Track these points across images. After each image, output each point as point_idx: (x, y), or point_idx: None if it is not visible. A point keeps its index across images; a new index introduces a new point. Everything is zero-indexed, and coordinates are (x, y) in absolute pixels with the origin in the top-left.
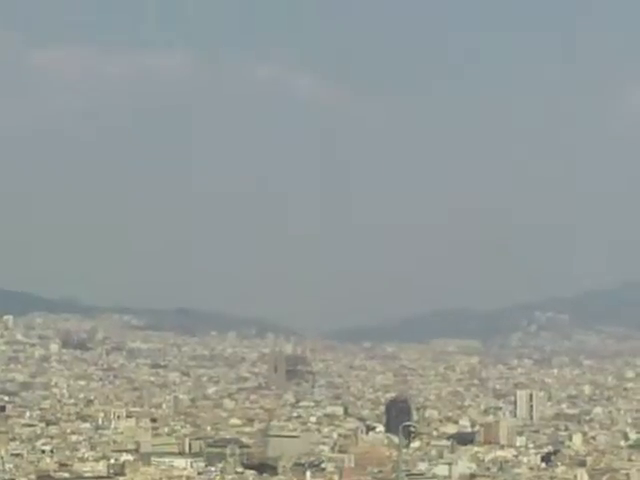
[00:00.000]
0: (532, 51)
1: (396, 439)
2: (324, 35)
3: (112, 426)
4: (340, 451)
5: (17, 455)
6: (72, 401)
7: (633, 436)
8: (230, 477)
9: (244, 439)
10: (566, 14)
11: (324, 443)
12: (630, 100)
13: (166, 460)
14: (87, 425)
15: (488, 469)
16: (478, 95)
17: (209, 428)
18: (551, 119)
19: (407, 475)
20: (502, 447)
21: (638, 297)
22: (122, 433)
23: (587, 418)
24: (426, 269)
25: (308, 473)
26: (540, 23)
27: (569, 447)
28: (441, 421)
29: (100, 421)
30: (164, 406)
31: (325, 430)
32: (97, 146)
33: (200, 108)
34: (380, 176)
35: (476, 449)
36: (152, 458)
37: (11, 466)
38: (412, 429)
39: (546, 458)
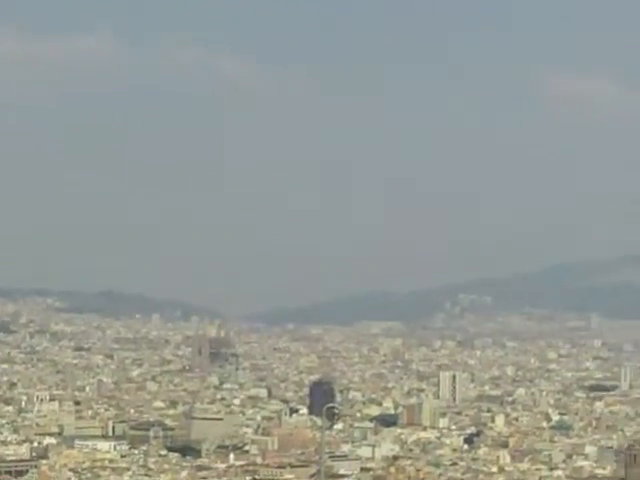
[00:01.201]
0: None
1: (319, 421)
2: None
3: (35, 409)
4: (264, 433)
5: None
6: None
7: (555, 417)
8: (153, 460)
9: (168, 422)
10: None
11: (248, 425)
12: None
13: (89, 443)
14: (10, 408)
15: (411, 450)
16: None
17: (133, 411)
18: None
19: (330, 457)
20: (425, 429)
21: (562, 279)
22: (45, 416)
23: (510, 399)
24: (351, 252)
25: (232, 455)
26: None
27: (491, 428)
28: (364, 403)
29: (23, 404)
30: (87, 389)
31: (249, 412)
32: None
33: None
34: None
35: (399, 431)
36: (75, 441)
37: None
38: (335, 411)
39: (469, 439)
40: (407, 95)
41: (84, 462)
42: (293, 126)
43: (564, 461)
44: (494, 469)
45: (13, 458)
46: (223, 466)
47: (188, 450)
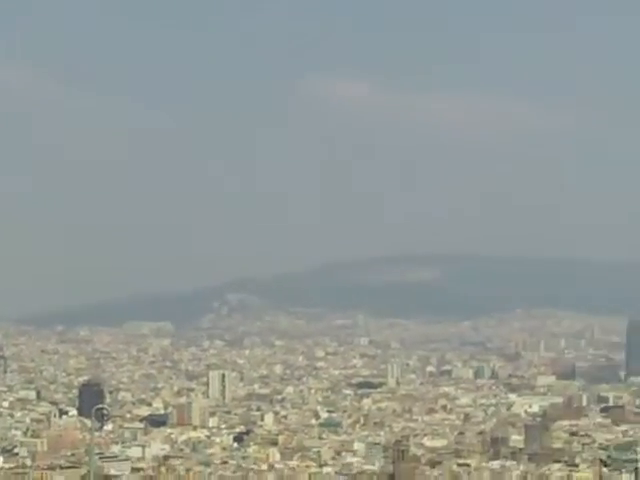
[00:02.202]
0: None
1: (89, 422)
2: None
3: None
4: (33, 435)
5: None
6: None
7: (324, 415)
8: None
9: None
10: None
11: (17, 428)
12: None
13: None
14: None
15: (181, 450)
16: None
17: None
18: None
19: (100, 457)
20: (195, 428)
21: (330, 278)
22: None
23: (279, 398)
24: (116, 253)
25: (1, 458)
26: None
27: (261, 427)
28: (134, 403)
29: None
30: None
31: (18, 415)
32: None
33: None
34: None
35: (169, 430)
36: None
37: None
38: (105, 412)
39: (238, 438)
40: None
41: None
42: None
43: (333, 458)
44: (264, 467)
45: None
46: None
47: None
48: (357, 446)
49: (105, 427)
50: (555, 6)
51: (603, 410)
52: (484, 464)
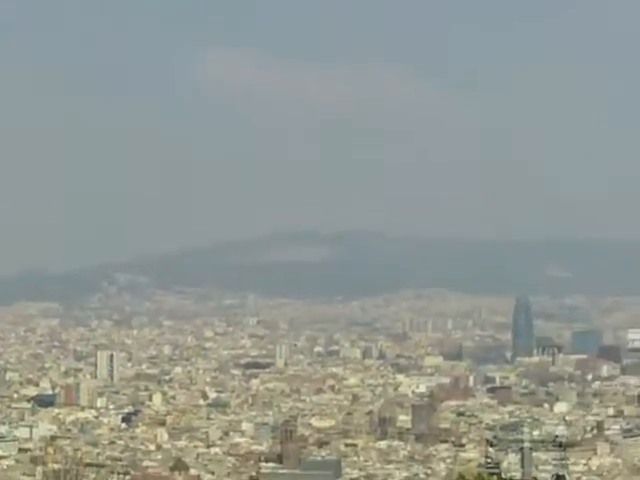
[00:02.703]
0: None
1: None
2: None
3: None
4: None
5: None
6: None
7: (212, 395)
8: None
9: None
10: None
11: None
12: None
13: None
14: None
15: (69, 431)
16: None
17: None
18: None
19: None
20: (83, 408)
21: (219, 258)
22: None
23: (167, 378)
24: (5, 233)
25: None
26: None
27: (149, 407)
28: (22, 384)
29: None
30: None
31: None
32: None
33: None
34: None
35: (57, 411)
36: None
37: None
38: None
39: (127, 418)
40: None
41: None
42: None
43: (221, 438)
44: (152, 447)
45: None
46: None
47: None
48: (245, 426)
49: None
50: None
51: (490, 390)
52: (371, 444)
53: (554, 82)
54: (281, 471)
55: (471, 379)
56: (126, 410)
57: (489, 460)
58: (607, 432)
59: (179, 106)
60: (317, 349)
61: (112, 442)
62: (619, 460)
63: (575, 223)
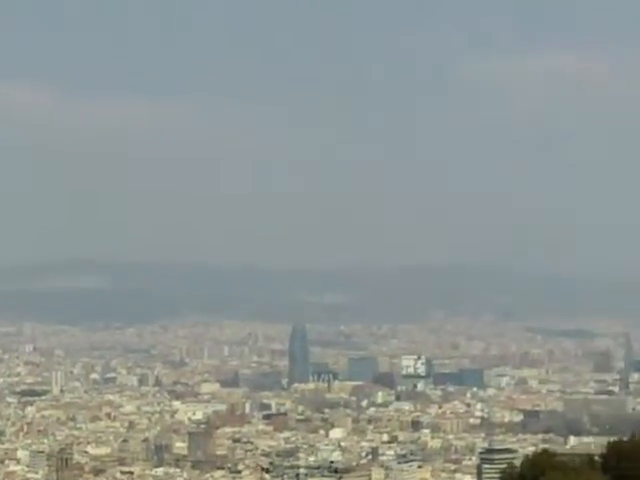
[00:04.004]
0: None
1: None
2: None
3: None
4: None
5: None
6: None
7: None
8: None
9: None
10: None
11: None
12: None
13: None
14: None
15: None
16: None
17: None
18: None
19: None
20: None
21: None
22: None
23: None
24: None
25: None
26: None
27: None
28: None
29: None
30: None
31: None
32: None
33: None
34: None
35: None
36: None
37: None
38: None
39: None
40: None
41: None
42: None
43: None
44: None
45: None
46: None
47: None
48: (21, 454)
49: None
50: None
51: (265, 417)
52: (148, 471)
53: None
54: None
55: (247, 406)
56: None
57: None
58: (382, 458)
59: None
60: (93, 376)
61: None
62: None
63: (367, 252)
